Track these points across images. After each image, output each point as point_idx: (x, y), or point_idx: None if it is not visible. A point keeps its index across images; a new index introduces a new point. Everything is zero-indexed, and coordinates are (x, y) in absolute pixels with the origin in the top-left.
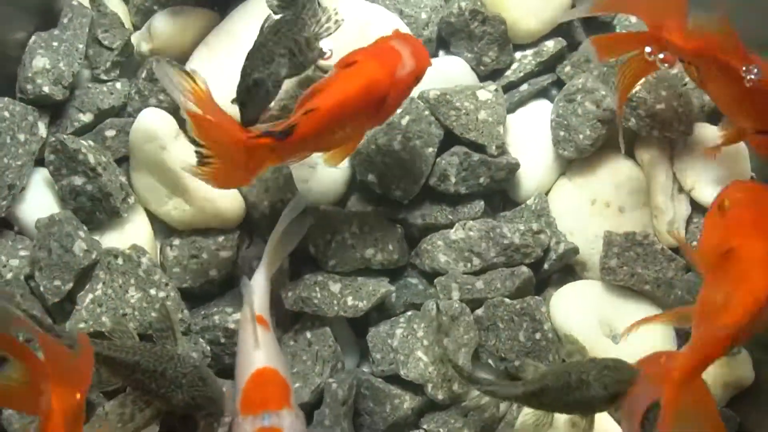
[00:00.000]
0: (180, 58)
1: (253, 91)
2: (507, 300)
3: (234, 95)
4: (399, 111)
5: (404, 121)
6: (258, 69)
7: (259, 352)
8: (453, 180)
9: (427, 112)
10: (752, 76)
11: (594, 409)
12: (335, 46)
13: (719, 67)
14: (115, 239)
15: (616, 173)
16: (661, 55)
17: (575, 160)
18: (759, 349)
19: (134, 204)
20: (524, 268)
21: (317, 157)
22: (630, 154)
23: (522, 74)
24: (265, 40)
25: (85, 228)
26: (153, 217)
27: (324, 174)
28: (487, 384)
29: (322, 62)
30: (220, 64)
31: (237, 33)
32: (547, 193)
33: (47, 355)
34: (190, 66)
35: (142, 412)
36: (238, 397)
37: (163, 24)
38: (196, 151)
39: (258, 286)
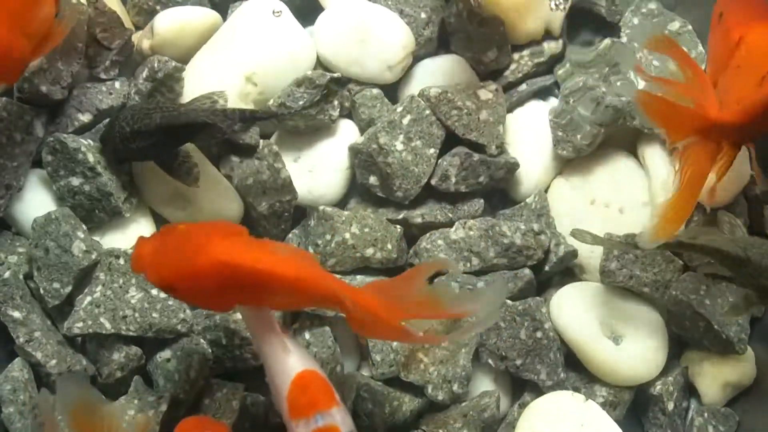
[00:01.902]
0: (182, 58)
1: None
2: (509, 302)
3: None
4: (399, 110)
5: (405, 121)
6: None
7: (292, 357)
8: (453, 180)
9: (428, 112)
10: None
11: None
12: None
13: None
14: (117, 238)
15: (617, 173)
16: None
17: (573, 160)
18: (761, 348)
19: (138, 203)
20: (527, 270)
21: None
22: (632, 152)
23: (521, 74)
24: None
25: (84, 227)
26: (157, 216)
27: (324, 175)
28: (703, 241)
29: None
30: (223, 64)
31: (239, 33)
32: (545, 192)
33: None
34: (192, 66)
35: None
36: (284, 406)
37: (165, 24)
38: None
39: None
